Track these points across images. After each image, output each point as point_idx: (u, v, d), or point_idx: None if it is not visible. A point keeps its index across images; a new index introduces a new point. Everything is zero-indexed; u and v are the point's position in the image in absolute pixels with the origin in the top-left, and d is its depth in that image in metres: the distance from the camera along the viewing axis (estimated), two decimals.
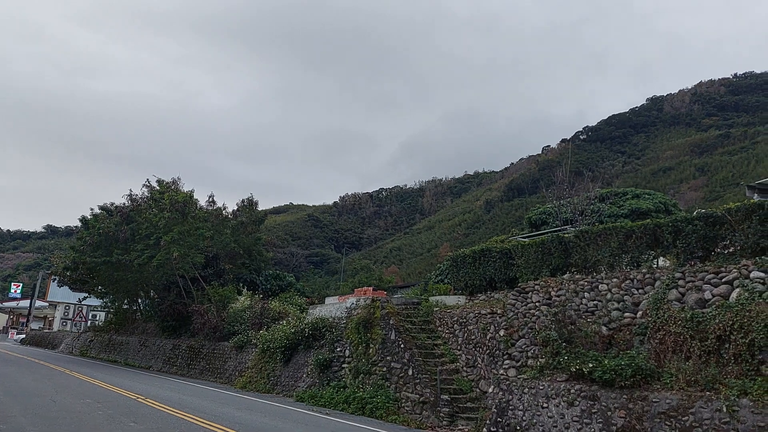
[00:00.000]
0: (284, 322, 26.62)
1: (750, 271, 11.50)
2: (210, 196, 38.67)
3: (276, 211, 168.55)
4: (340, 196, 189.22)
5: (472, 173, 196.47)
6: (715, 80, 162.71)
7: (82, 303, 56.42)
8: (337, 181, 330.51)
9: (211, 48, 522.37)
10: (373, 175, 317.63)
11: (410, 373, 18.30)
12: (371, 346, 20.53)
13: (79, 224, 41.66)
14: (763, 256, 11.71)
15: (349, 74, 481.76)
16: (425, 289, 30.83)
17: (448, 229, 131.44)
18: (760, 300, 10.81)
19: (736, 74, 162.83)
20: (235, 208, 40.95)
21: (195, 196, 36.71)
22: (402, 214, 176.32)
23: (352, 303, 23.17)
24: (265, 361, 26.10)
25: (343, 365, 21.66)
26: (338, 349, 22.28)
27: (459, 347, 18.81)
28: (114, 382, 24.37)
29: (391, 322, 20.11)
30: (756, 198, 17.49)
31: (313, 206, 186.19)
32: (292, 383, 23.70)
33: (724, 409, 9.93)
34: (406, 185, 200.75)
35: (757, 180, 22.23)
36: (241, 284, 38.52)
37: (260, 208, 43.70)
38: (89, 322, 69.10)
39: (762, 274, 11.24)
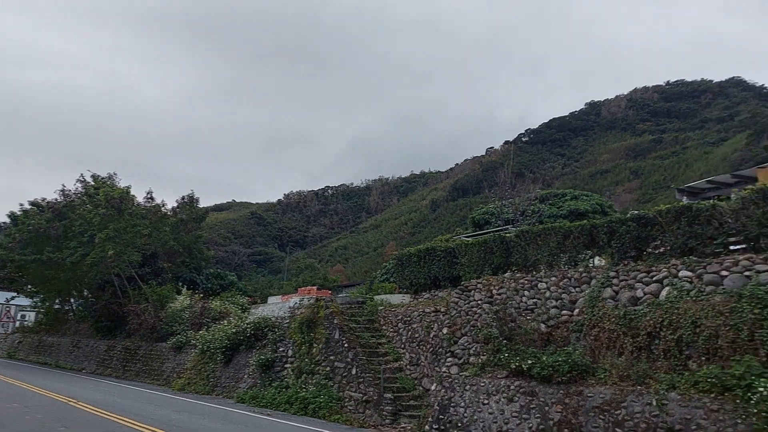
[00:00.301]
0: (225, 322, 26.13)
1: (678, 271, 12.03)
2: (148, 193, 37.89)
3: (218, 208, 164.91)
4: (284, 194, 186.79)
5: (418, 173, 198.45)
6: (649, 87, 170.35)
7: (10, 303, 53.56)
8: (282, 179, 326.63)
9: (147, 39, 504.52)
10: (318, 173, 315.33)
11: (354, 372, 18.27)
12: (315, 345, 20.38)
13: (7, 220, 39.76)
14: (691, 256, 12.28)
15: (292, 72, 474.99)
16: (370, 288, 30.88)
17: (394, 228, 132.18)
18: (688, 298, 11.33)
19: (668, 82, 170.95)
20: (175, 205, 39.94)
21: (132, 192, 35.83)
22: (348, 212, 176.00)
23: (296, 302, 22.96)
24: (205, 362, 25.52)
25: (286, 365, 21.41)
26: (281, 349, 22.01)
27: (403, 346, 18.91)
28: (44, 385, 23.31)
29: (335, 321, 20.01)
30: (685, 200, 18.33)
31: (257, 204, 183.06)
32: (233, 384, 23.25)
33: (654, 403, 10.36)
34: (352, 184, 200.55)
35: (686, 183, 23.33)
36: (180, 283, 37.60)
37: (201, 205, 42.80)
38: (18, 322, 65.77)
39: (689, 273, 11.78)
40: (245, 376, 22.92)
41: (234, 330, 24.32)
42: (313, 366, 19.95)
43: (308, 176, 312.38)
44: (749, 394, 9.13)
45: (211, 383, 24.42)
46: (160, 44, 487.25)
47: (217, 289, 40.78)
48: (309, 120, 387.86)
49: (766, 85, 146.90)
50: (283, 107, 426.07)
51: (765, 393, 8.85)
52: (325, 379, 19.09)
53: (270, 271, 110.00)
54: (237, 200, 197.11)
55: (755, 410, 8.91)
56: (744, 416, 9.10)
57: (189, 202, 40.57)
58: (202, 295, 34.85)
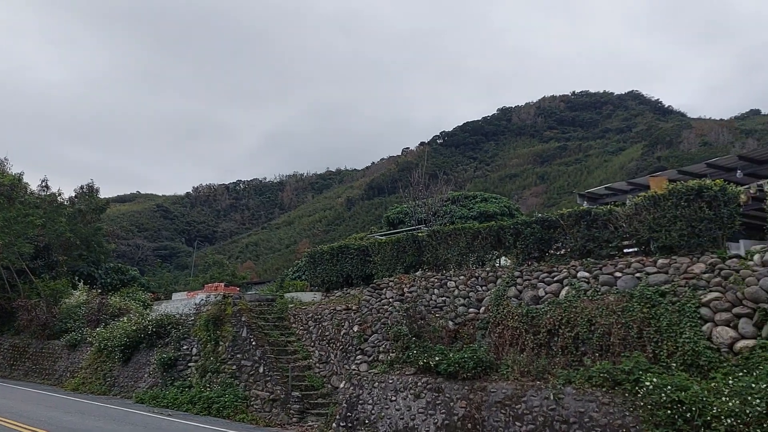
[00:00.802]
0: (125, 318, 24.89)
1: (577, 271, 12.69)
2: (43, 181, 35.94)
3: (121, 199, 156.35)
4: (193, 187, 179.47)
5: (334, 170, 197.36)
6: (556, 96, 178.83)
7: None
8: (191, 172, 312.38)
9: (51, 19, 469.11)
10: (230, 166, 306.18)
11: (261, 370, 17.89)
12: (221, 343, 19.77)
13: None
14: (589, 257, 12.98)
15: (204, 59, 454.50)
16: (281, 286, 30.34)
17: (308, 226, 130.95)
18: (585, 297, 11.97)
19: (574, 92, 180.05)
20: (73, 194, 37.71)
21: (25, 180, 33.87)
22: (260, 208, 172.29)
23: (202, 299, 22.23)
24: (102, 361, 24.19)
25: (190, 364, 20.64)
26: (185, 347, 21.20)
27: (313, 344, 18.74)
28: None
29: (243, 319, 19.52)
30: (585, 205, 19.33)
31: (163, 196, 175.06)
32: (132, 384, 22.16)
33: (551, 397, 10.84)
34: (265, 178, 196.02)
35: (587, 189, 24.67)
36: (76, 278, 35.40)
37: (102, 195, 40.69)
38: None
39: (587, 274, 12.45)
40: (146, 375, 21.90)
41: (134, 327, 23.21)
42: (218, 365, 19.34)
43: (220, 170, 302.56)
44: (637, 387, 9.76)
45: (108, 383, 23.17)
46: (65, 25, 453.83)
47: (118, 284, 38.65)
48: (221, 111, 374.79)
49: (660, 100, 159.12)
50: (195, 97, 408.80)
51: (651, 387, 9.47)
52: (231, 378, 18.57)
53: (176, 266, 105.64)
54: (142, 192, 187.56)
55: (642, 403, 9.53)
56: (632, 409, 9.71)
57: (88, 192, 38.44)
58: (100, 291, 33.12)
